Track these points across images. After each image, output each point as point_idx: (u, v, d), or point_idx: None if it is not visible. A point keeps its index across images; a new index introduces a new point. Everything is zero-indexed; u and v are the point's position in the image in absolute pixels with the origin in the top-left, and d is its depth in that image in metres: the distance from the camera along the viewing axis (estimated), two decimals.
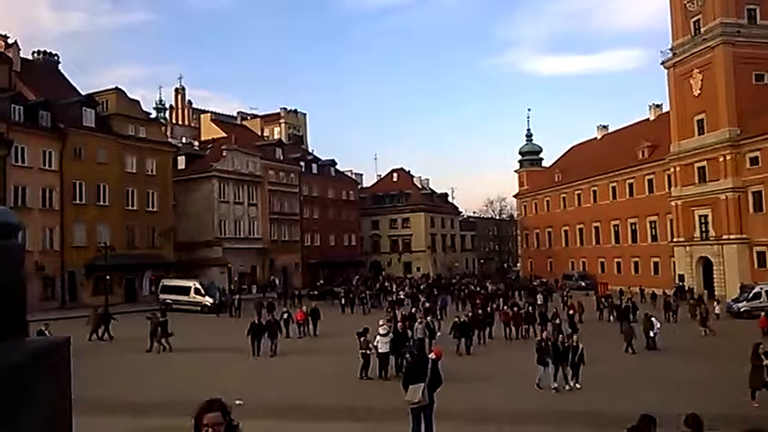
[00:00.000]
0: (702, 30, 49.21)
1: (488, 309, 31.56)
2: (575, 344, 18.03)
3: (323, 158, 77.80)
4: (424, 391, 10.84)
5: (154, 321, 24.83)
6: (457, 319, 24.67)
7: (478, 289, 52.19)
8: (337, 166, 79.06)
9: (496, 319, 29.40)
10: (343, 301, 42.38)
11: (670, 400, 14.65)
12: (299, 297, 47.77)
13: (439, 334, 24.91)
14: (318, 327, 29.45)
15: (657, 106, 63.75)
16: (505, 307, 32.40)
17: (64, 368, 2.15)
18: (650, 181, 58.17)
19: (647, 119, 65.42)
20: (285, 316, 25.80)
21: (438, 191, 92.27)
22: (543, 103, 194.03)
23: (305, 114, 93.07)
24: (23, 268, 1.95)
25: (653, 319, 26.17)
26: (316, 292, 51.25)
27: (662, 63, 53.42)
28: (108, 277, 43.30)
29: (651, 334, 25.33)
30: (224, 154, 59.71)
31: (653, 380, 18.40)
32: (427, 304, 36.27)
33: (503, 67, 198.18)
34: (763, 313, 31.01)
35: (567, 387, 17.26)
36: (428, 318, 25.76)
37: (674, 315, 34.86)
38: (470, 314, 27.48)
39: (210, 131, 71.31)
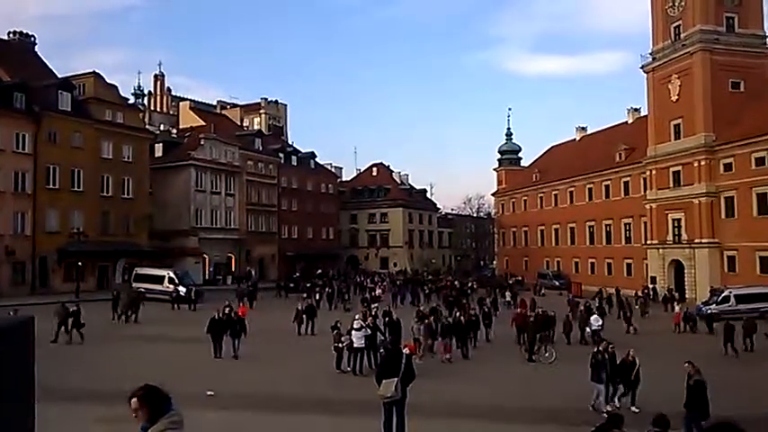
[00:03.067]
0: (682, 35, 49.84)
1: (484, 308, 29.38)
2: (631, 358, 15.21)
3: (303, 150, 77.48)
4: (398, 386, 10.87)
5: (61, 313, 23.58)
6: (445, 320, 23.23)
7: (447, 284, 52.22)
8: (317, 159, 78.85)
9: (494, 319, 28.07)
10: (317, 297, 39.29)
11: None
12: (284, 288, 47.26)
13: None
14: (316, 325, 26.96)
15: (636, 110, 64.48)
16: (519, 309, 29.39)
17: (28, 345, 2.11)
18: (626, 183, 58.90)
19: (626, 122, 66.12)
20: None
21: (417, 187, 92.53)
22: (524, 102, 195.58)
23: (285, 105, 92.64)
24: None
25: (592, 317, 27.46)
26: (291, 285, 50.67)
27: (642, 67, 54.03)
28: (80, 264, 42.73)
29: (588, 330, 26.67)
30: (202, 143, 59.14)
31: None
32: (433, 304, 34.61)
33: (485, 65, 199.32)
34: (677, 310, 33.51)
35: (617, 407, 14.48)
36: (431, 318, 23.82)
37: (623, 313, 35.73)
38: (462, 314, 25.00)
39: (189, 119, 70.51)
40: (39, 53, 53.06)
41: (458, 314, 24.58)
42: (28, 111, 43.50)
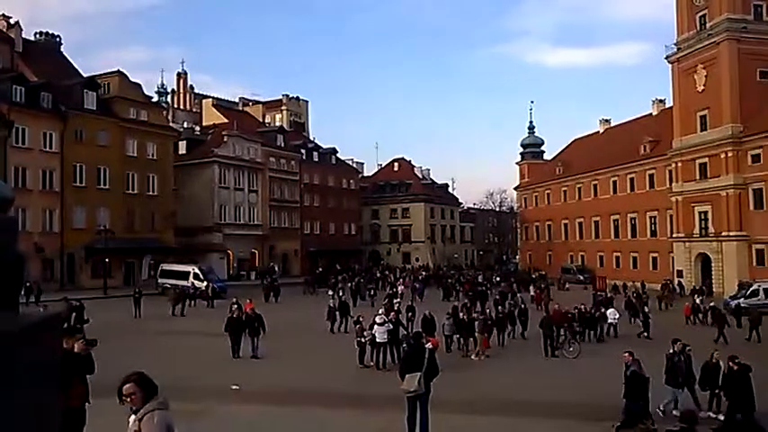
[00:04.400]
0: (708, 25, 48.98)
1: (521, 305, 28.53)
2: (715, 361, 13.68)
3: (324, 146, 77.69)
4: (421, 380, 10.87)
5: (64, 309, 22.97)
6: (460, 317, 22.51)
7: (468, 279, 52.01)
8: (338, 155, 78.99)
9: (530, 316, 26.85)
10: (341, 293, 38.45)
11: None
12: (311, 284, 47.00)
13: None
14: (349, 322, 25.40)
15: (660, 101, 63.55)
16: (555, 306, 27.20)
17: (54, 341, 2.16)
18: (651, 176, 58.13)
19: (650, 114, 65.22)
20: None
21: (438, 181, 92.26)
22: (546, 95, 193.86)
23: (307, 102, 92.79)
24: (17, 242, 1.95)
25: (609, 311, 27.38)
26: (318, 280, 50.61)
27: (666, 58, 53.21)
28: (107, 260, 43.39)
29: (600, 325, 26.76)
30: (225, 140, 59.62)
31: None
32: (465, 300, 34.13)
33: (506, 58, 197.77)
34: (687, 303, 33.85)
35: (710, 414, 13.35)
36: (463, 315, 23.10)
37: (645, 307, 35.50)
38: (492, 311, 24.60)
39: (212, 117, 71.13)
40: (64, 53, 53.92)
41: (488, 311, 24.52)
42: (55, 110, 44.26)
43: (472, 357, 20.93)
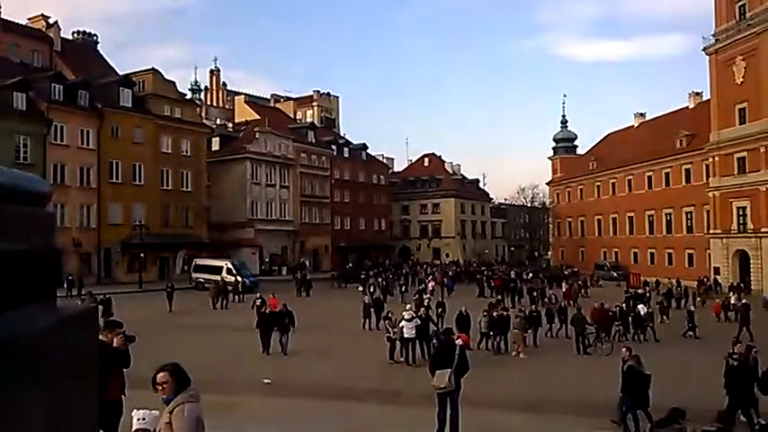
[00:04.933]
0: (748, 15, 47.67)
1: (561, 303, 28.33)
2: None
3: (355, 142, 77.86)
4: (451, 377, 10.85)
5: (89, 303, 22.69)
6: (493, 314, 22.13)
7: (500, 275, 51.51)
8: (369, 150, 79.06)
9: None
10: (372, 289, 38.20)
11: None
12: (340, 279, 46.92)
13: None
14: (381, 319, 24.53)
15: (697, 94, 62.07)
16: (595, 304, 25.92)
17: (91, 336, 2.20)
18: (687, 171, 56.89)
19: (687, 107, 63.76)
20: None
21: (469, 177, 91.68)
22: (579, 88, 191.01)
23: (337, 97, 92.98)
24: (54, 237, 1.99)
25: (638, 306, 27.12)
26: (347, 276, 50.82)
27: (704, 49, 51.97)
28: (142, 255, 44.19)
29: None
30: (257, 136, 60.14)
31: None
32: (498, 296, 34.20)
33: (539, 51, 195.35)
34: (717, 300, 33.72)
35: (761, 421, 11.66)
36: (494, 313, 22.42)
37: (678, 304, 35.42)
38: (526, 309, 24.07)
39: (244, 113, 71.88)
40: (101, 51, 55.02)
41: (524, 309, 24.40)
42: (91, 107, 45.17)
43: (512, 354, 20.79)
